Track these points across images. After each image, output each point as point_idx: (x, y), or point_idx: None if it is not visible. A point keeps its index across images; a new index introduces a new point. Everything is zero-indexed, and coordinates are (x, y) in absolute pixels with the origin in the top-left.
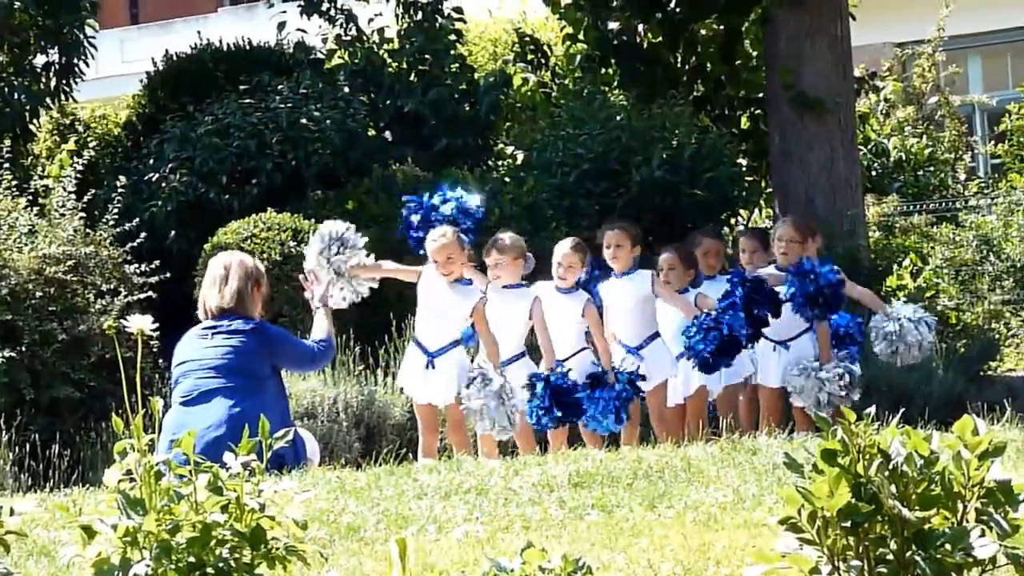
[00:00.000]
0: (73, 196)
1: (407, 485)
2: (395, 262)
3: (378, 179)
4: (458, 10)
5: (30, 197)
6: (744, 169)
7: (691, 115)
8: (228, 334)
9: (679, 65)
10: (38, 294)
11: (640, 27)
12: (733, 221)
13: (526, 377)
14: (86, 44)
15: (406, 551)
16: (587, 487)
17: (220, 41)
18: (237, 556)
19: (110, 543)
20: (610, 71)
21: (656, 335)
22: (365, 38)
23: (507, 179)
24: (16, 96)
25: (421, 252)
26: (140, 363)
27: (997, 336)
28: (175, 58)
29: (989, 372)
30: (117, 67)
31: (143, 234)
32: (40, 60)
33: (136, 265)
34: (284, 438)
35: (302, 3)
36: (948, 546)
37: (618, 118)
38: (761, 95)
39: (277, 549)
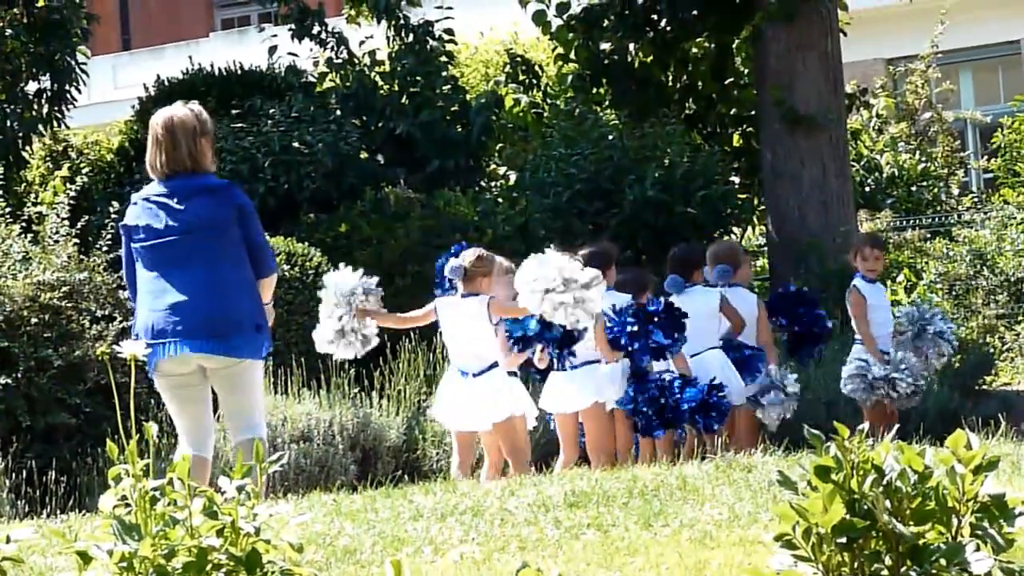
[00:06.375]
0: (67, 222)
1: (403, 507)
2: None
3: (370, 201)
4: (449, 32)
5: (24, 224)
6: (736, 186)
7: (683, 133)
8: (196, 191)
9: (670, 84)
10: (33, 321)
11: (631, 46)
12: (726, 239)
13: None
14: (78, 71)
15: (401, 573)
16: (582, 507)
17: (211, 66)
18: None
19: (106, 569)
20: (602, 91)
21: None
22: (356, 61)
23: (500, 200)
24: (8, 123)
25: None
26: (135, 388)
27: (992, 350)
28: (167, 83)
29: (984, 386)
30: (109, 93)
31: None
32: (32, 87)
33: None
34: (277, 461)
35: (293, 27)
36: (943, 561)
37: (610, 137)
38: (752, 112)
39: (273, 573)
